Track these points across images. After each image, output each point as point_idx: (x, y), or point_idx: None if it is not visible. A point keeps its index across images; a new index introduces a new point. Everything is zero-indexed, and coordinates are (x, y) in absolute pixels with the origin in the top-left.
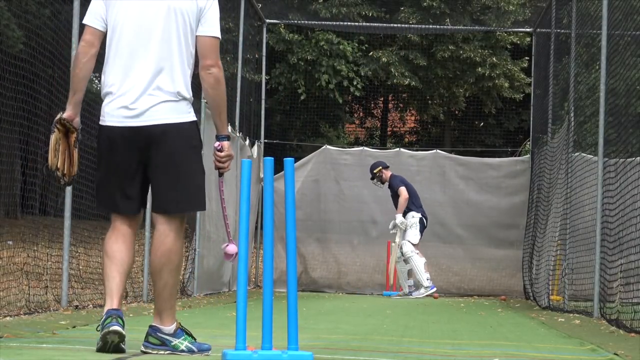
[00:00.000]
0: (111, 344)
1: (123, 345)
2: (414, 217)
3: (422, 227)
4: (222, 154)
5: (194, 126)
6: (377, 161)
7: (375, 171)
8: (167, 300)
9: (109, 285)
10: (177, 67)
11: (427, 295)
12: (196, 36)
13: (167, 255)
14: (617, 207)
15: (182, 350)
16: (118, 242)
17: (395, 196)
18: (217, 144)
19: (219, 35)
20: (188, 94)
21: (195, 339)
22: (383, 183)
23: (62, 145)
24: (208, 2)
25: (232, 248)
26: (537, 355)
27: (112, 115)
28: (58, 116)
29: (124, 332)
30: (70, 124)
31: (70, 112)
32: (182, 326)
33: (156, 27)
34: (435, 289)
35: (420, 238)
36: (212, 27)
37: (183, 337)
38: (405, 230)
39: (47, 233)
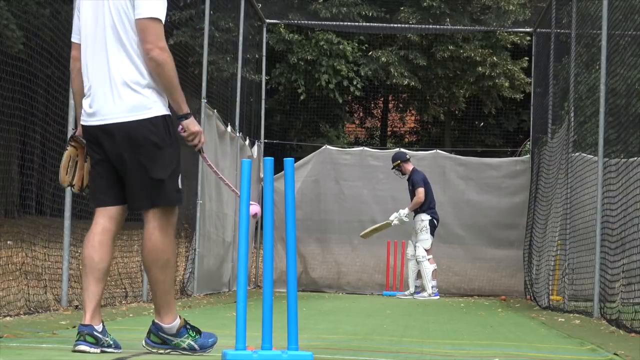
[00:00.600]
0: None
1: None
2: (423, 220)
3: (432, 229)
4: (185, 134)
5: (154, 122)
6: (397, 153)
7: (394, 164)
8: (161, 297)
9: (83, 297)
10: (126, 60)
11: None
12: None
13: (154, 252)
14: (618, 207)
15: (184, 349)
16: (94, 243)
17: (413, 191)
18: (179, 126)
19: (153, 14)
20: (145, 80)
21: (200, 334)
22: (403, 174)
23: (79, 160)
24: None
25: (252, 208)
26: (537, 355)
27: (83, 115)
28: (70, 134)
29: (92, 352)
30: (81, 140)
31: (78, 128)
32: (186, 323)
33: (98, 25)
34: (438, 297)
35: (432, 239)
36: (142, 7)
37: (186, 336)
38: (416, 233)
39: (45, 233)
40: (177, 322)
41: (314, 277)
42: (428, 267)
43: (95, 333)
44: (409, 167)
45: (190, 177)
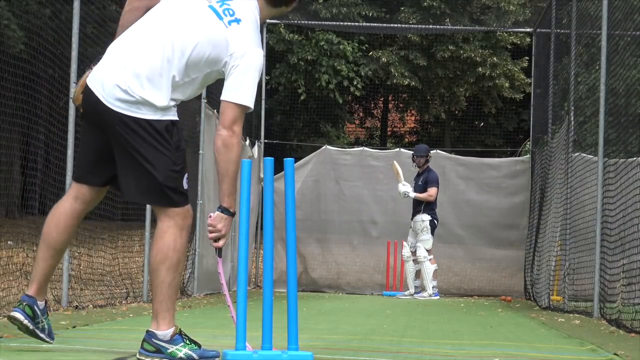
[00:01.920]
0: (18, 327)
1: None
2: (424, 220)
3: (433, 229)
4: (209, 221)
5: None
6: (420, 145)
7: (425, 155)
8: (163, 302)
9: (35, 268)
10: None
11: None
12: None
13: (165, 252)
14: (617, 207)
15: (181, 358)
16: (59, 223)
17: (423, 186)
18: (211, 213)
19: (244, 102)
20: (161, 102)
21: (199, 346)
22: (419, 167)
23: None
24: (238, 59)
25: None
26: (537, 355)
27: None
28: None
29: (25, 323)
30: None
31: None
32: (182, 332)
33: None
34: (438, 297)
35: (433, 238)
36: (237, 92)
37: (182, 344)
38: (417, 234)
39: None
40: (172, 329)
41: (314, 277)
42: (429, 268)
43: (36, 308)
44: (426, 165)
45: (190, 177)
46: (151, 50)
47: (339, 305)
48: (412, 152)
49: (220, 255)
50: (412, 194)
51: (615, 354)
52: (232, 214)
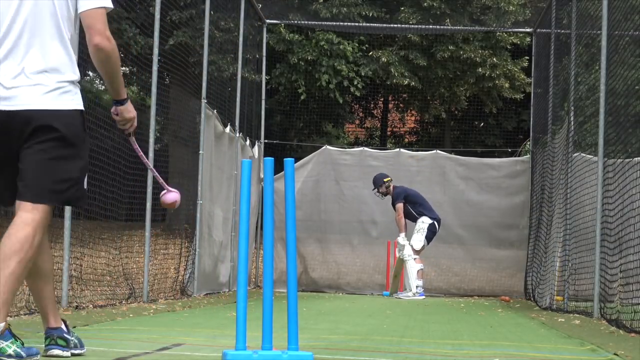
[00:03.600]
0: None
1: None
2: (424, 222)
3: (431, 233)
4: (117, 118)
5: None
6: (374, 177)
7: (380, 187)
8: (4, 292)
9: (44, 299)
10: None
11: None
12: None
13: (22, 244)
14: (616, 207)
15: (10, 355)
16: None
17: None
18: (112, 109)
19: (102, 4)
20: (70, 74)
21: (23, 344)
22: (385, 196)
23: None
24: None
25: (171, 196)
26: (537, 355)
27: None
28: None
29: (63, 354)
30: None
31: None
32: (10, 329)
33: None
34: (423, 297)
35: (427, 244)
36: None
37: (11, 341)
38: (413, 232)
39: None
40: (3, 325)
41: (314, 277)
42: (414, 267)
43: (65, 335)
44: (390, 187)
45: (190, 177)
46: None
47: (339, 305)
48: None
49: (131, 136)
50: (403, 235)
51: (615, 354)
52: (128, 98)
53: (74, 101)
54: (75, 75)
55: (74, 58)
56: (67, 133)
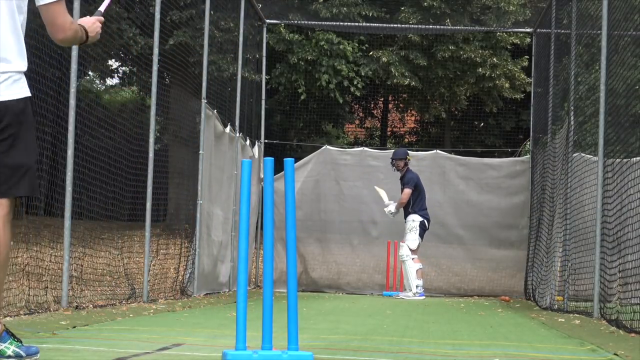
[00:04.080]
0: None
1: None
2: (414, 220)
3: (422, 231)
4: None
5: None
6: (398, 149)
7: (404, 159)
8: None
9: None
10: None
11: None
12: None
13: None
14: (615, 207)
15: (9, 356)
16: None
17: (401, 188)
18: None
19: None
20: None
21: (22, 343)
22: (398, 170)
23: None
24: None
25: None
26: (537, 355)
27: None
28: None
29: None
30: None
31: None
32: (7, 329)
33: None
34: (424, 297)
35: (421, 242)
36: None
37: (9, 342)
38: (405, 233)
39: (48, 233)
40: (0, 327)
41: (314, 277)
42: (412, 266)
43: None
44: (404, 166)
45: (190, 177)
46: None
47: (339, 305)
48: (391, 157)
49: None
50: (394, 209)
51: (615, 354)
52: (86, 32)
53: (22, 89)
54: (24, 66)
55: (24, 48)
56: (16, 122)
